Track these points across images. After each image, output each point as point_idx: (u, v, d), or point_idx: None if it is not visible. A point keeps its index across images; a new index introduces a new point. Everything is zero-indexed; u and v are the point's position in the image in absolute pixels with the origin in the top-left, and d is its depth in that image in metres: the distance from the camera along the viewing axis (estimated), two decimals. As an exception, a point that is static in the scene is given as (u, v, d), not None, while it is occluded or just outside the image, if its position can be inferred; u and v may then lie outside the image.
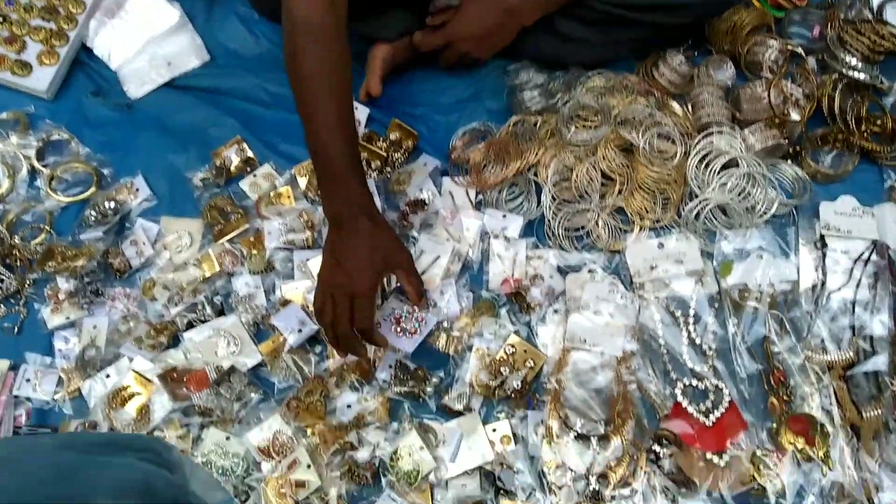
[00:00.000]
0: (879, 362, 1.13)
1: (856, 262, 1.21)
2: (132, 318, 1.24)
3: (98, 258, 1.27)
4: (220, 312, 1.25)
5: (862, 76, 1.30)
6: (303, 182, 1.34)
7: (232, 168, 1.37)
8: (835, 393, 1.12)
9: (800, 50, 1.35)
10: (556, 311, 1.21)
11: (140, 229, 1.30)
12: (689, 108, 1.33)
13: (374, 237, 1.08)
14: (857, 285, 1.19)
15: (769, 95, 1.29)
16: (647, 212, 1.27)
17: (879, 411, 1.10)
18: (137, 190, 1.35)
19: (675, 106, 1.33)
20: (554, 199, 1.28)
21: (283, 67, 1.46)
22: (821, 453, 1.08)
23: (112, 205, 1.31)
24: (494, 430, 1.13)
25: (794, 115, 1.29)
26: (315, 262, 1.25)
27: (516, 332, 1.19)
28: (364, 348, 1.10)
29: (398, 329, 1.17)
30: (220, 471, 1.11)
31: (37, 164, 1.37)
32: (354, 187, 1.08)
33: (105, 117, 1.44)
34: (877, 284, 1.19)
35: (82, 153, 1.39)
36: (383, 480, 1.11)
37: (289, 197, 1.32)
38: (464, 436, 1.12)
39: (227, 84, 1.46)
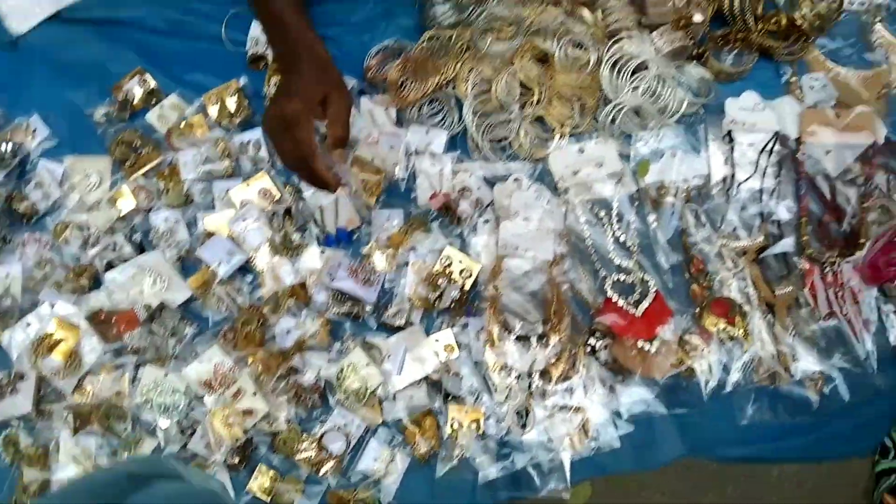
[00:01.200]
0: (787, 244, 1.20)
1: (761, 153, 1.27)
2: (47, 263, 1.17)
3: (1, 204, 1.19)
4: (141, 250, 1.20)
5: (756, -25, 1.35)
6: (214, 110, 1.28)
7: (135, 101, 1.30)
8: (750, 275, 1.20)
9: (698, -47, 1.39)
10: (486, 221, 1.23)
11: (44, 170, 1.22)
12: (601, 14, 1.35)
13: (312, 70, 1.06)
14: (763, 174, 1.26)
15: (673, -1, 1.33)
16: (567, 119, 1.29)
17: (790, 288, 1.19)
18: (35, 130, 1.27)
19: (586, 13, 1.34)
20: (475, 112, 1.28)
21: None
22: (741, 331, 1.16)
23: (9, 147, 1.22)
24: (437, 341, 1.15)
25: (698, 17, 1.33)
26: (236, 191, 1.22)
27: (450, 244, 1.20)
28: (321, 181, 1.06)
29: (357, 279, 1.16)
30: (161, 408, 1.08)
31: (-86, 109, 1.26)
32: (299, 29, 1.10)
33: (-12, 57, 1.33)
34: (780, 172, 1.26)
35: (-34, 95, 1.29)
36: (331, 399, 1.12)
37: (201, 126, 1.27)
38: (408, 348, 1.13)
39: (120, 14, 1.36)
